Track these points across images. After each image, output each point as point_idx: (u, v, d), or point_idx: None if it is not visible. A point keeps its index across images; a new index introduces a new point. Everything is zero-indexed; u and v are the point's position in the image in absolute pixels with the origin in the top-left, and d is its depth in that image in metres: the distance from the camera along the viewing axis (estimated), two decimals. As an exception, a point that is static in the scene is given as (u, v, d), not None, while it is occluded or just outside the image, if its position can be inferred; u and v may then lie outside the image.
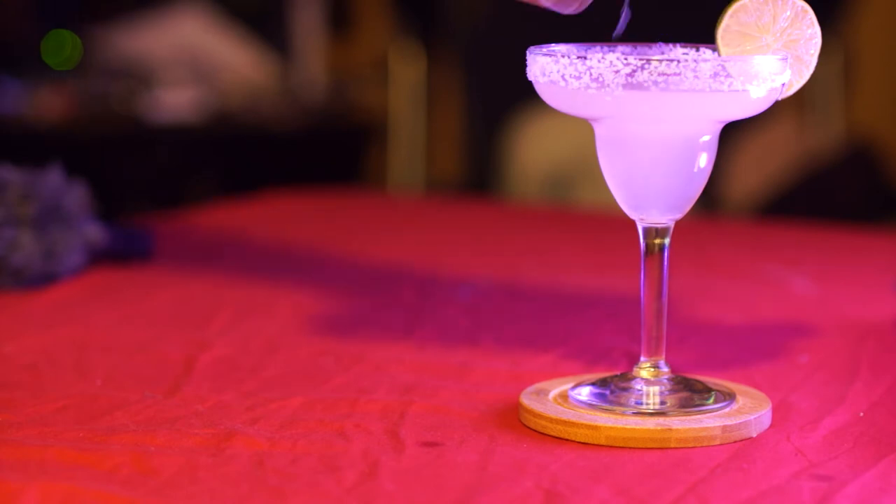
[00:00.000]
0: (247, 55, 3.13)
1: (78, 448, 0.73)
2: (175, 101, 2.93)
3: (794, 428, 0.78)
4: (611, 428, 0.75)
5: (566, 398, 0.80)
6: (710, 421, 0.76)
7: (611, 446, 0.75)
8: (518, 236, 1.45)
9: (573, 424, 0.76)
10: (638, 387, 0.79)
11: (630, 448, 0.74)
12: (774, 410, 0.80)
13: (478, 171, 3.02)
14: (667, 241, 0.80)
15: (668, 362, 0.80)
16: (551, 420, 0.77)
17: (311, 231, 1.46)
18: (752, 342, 0.99)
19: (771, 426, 0.78)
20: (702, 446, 0.75)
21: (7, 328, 1.02)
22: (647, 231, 0.80)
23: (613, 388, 0.79)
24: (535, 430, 0.77)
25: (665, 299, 0.80)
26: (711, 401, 0.78)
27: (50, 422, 0.78)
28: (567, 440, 0.76)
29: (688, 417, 0.77)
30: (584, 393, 0.79)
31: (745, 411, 0.78)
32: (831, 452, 0.74)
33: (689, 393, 0.79)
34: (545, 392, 0.81)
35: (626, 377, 0.80)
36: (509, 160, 3.00)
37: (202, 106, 2.97)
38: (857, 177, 2.64)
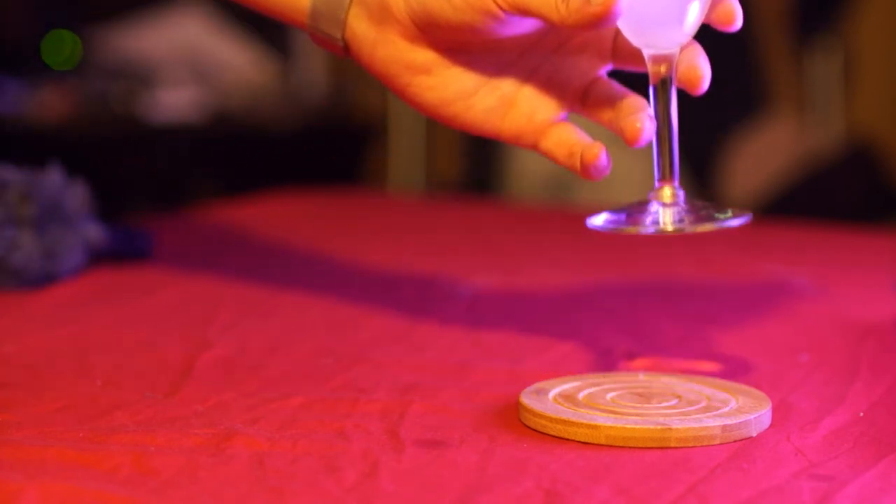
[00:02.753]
0: (247, 55, 3.13)
1: (78, 448, 0.73)
2: (175, 101, 2.93)
3: (794, 428, 0.78)
4: (611, 427, 0.75)
5: (566, 398, 0.80)
6: (710, 420, 0.76)
7: (611, 446, 0.75)
8: (518, 236, 1.45)
9: (573, 424, 0.76)
10: (654, 209, 0.79)
11: (630, 448, 0.74)
12: (774, 410, 0.80)
13: (478, 172, 3.02)
14: (672, 72, 0.79)
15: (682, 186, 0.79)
16: (551, 420, 0.77)
17: (311, 231, 1.46)
18: (752, 342, 0.99)
19: (771, 426, 0.78)
20: (702, 446, 0.75)
21: (7, 328, 1.02)
22: (653, 58, 0.80)
23: (630, 212, 0.79)
24: (535, 430, 0.77)
25: (675, 127, 0.79)
26: (729, 214, 0.78)
27: (50, 422, 0.78)
28: (567, 440, 0.76)
29: (688, 417, 0.77)
30: (601, 219, 0.79)
31: (745, 411, 0.78)
32: (831, 452, 0.74)
33: (706, 211, 0.78)
34: (545, 392, 0.81)
35: (642, 202, 0.79)
36: (509, 160, 2.99)
37: (202, 106, 2.97)
38: (857, 177, 2.64)
